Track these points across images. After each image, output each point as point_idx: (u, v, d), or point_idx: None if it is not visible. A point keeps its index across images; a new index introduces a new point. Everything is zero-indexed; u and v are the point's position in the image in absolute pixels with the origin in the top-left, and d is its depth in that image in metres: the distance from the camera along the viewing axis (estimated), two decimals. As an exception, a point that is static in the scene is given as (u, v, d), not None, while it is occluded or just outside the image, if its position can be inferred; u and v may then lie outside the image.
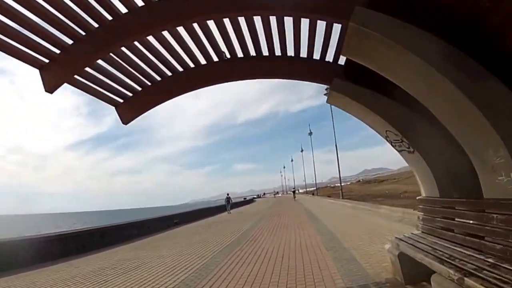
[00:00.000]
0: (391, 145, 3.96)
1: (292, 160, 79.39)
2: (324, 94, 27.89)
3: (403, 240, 3.42)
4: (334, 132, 27.70)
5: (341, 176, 28.74)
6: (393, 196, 28.33)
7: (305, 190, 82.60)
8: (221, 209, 25.95)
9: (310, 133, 46.51)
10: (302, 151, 57.25)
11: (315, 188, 54.24)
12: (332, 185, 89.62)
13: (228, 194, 25.16)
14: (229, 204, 24.12)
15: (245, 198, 62.70)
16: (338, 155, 27.29)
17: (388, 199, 22.83)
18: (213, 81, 4.38)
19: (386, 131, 3.80)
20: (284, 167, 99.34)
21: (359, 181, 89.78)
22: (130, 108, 4.53)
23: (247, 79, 4.36)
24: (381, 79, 3.08)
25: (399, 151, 3.89)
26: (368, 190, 45.24)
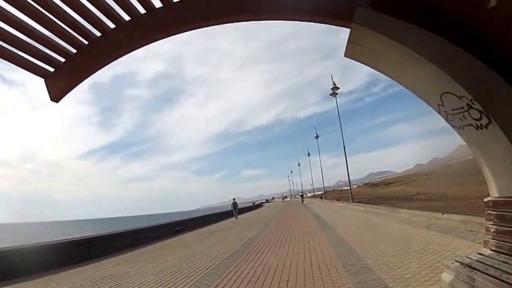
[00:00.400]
0: (446, 118, 2.69)
1: (299, 165, 77.83)
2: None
3: (477, 270, 2.16)
4: (342, 134, 26.24)
5: (348, 179, 27.29)
6: (405, 198, 26.72)
7: (312, 194, 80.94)
8: (228, 215, 24.76)
9: (317, 136, 45.10)
10: (308, 155, 55.85)
11: (323, 191, 52.56)
12: (339, 189, 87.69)
13: (234, 200, 24.08)
14: (236, 209, 23.11)
15: (253, 203, 61.59)
16: (347, 157, 25.86)
17: (401, 201, 21.32)
18: (176, 28, 3.17)
19: (443, 94, 2.52)
20: (291, 172, 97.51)
21: (366, 183, 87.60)
22: (63, 79, 3.41)
23: (227, 22, 3.12)
24: (435, 11, 1.93)
25: (459, 128, 2.61)
26: (377, 192, 43.44)
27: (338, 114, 26.33)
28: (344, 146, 25.90)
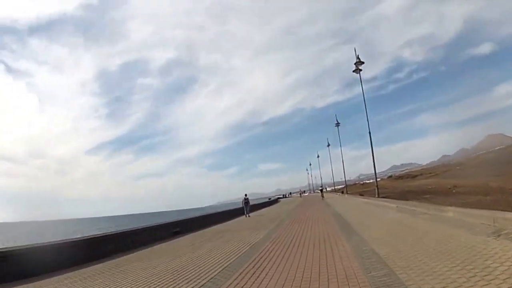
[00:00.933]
0: None
1: (318, 157, 73.14)
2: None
3: None
4: (368, 118, 23.42)
5: (372, 171, 24.57)
6: (441, 192, 23.69)
7: (333, 188, 77.55)
8: (240, 212, 22.74)
9: (337, 124, 41.49)
10: (328, 145, 52.36)
11: (344, 185, 49.45)
12: (361, 182, 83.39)
13: (246, 195, 21.90)
14: (248, 206, 20.97)
15: (270, 199, 59.16)
16: (372, 145, 23.13)
17: (437, 196, 18.53)
18: None
19: None
20: (310, 164, 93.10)
21: (390, 176, 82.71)
22: None
23: None
24: None
25: None
26: (404, 186, 40.19)
27: (364, 96, 23.15)
28: (369, 133, 23.12)
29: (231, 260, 6.31)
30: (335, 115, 38.73)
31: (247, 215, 20.41)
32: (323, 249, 6.25)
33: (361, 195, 29.32)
